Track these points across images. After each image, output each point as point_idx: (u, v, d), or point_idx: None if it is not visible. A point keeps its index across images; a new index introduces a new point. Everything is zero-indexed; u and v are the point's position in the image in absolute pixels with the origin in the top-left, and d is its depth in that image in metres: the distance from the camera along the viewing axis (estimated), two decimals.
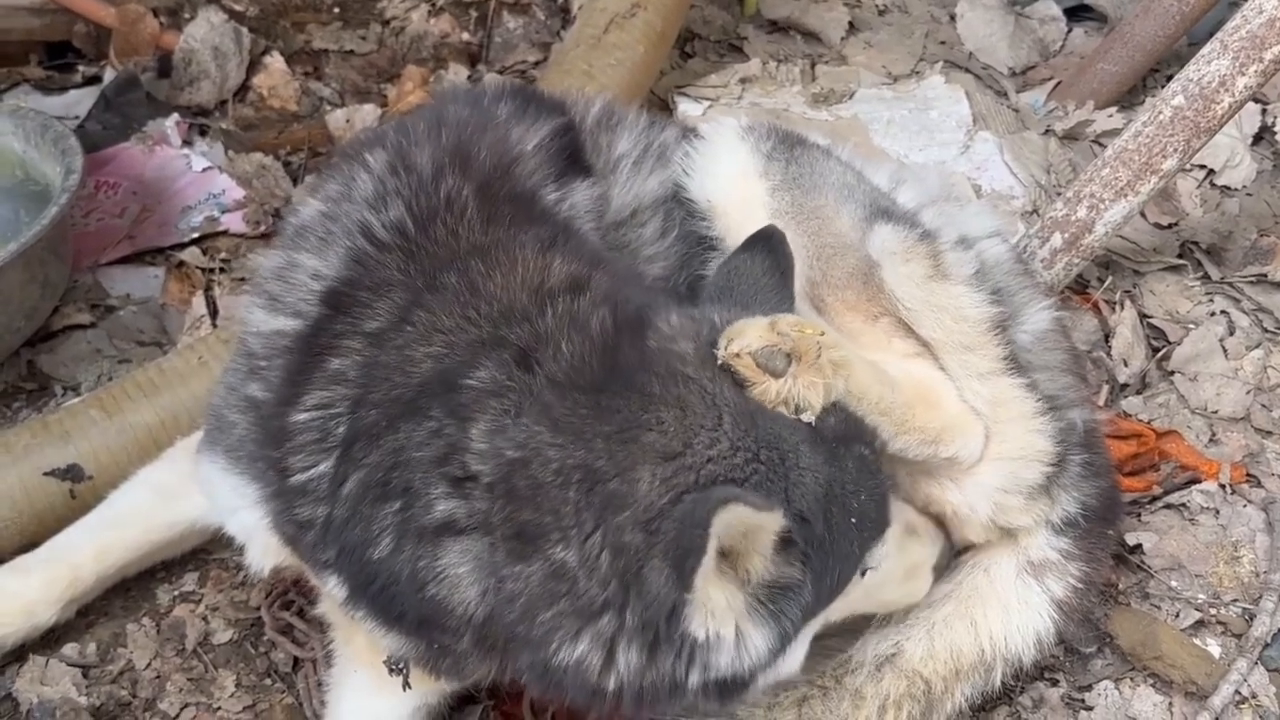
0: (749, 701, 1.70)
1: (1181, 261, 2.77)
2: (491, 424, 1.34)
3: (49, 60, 3.16)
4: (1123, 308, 2.60)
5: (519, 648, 1.38)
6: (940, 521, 1.84)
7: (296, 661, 1.96)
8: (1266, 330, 2.60)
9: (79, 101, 3.02)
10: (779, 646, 1.38)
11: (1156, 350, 2.57)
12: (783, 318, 1.43)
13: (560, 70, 2.73)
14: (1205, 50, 2.39)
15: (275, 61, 3.15)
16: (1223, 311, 2.63)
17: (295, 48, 3.24)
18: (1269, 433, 2.39)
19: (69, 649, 1.95)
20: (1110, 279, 2.68)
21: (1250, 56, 2.33)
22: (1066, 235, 2.48)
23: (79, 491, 2.03)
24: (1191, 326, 2.58)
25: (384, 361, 1.42)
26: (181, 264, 2.66)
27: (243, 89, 3.12)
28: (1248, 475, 2.28)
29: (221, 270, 2.65)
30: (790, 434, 1.37)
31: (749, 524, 1.27)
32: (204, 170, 2.85)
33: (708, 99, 3.14)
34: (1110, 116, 3.08)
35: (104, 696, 1.90)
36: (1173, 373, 2.50)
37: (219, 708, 1.90)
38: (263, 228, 2.74)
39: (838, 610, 1.50)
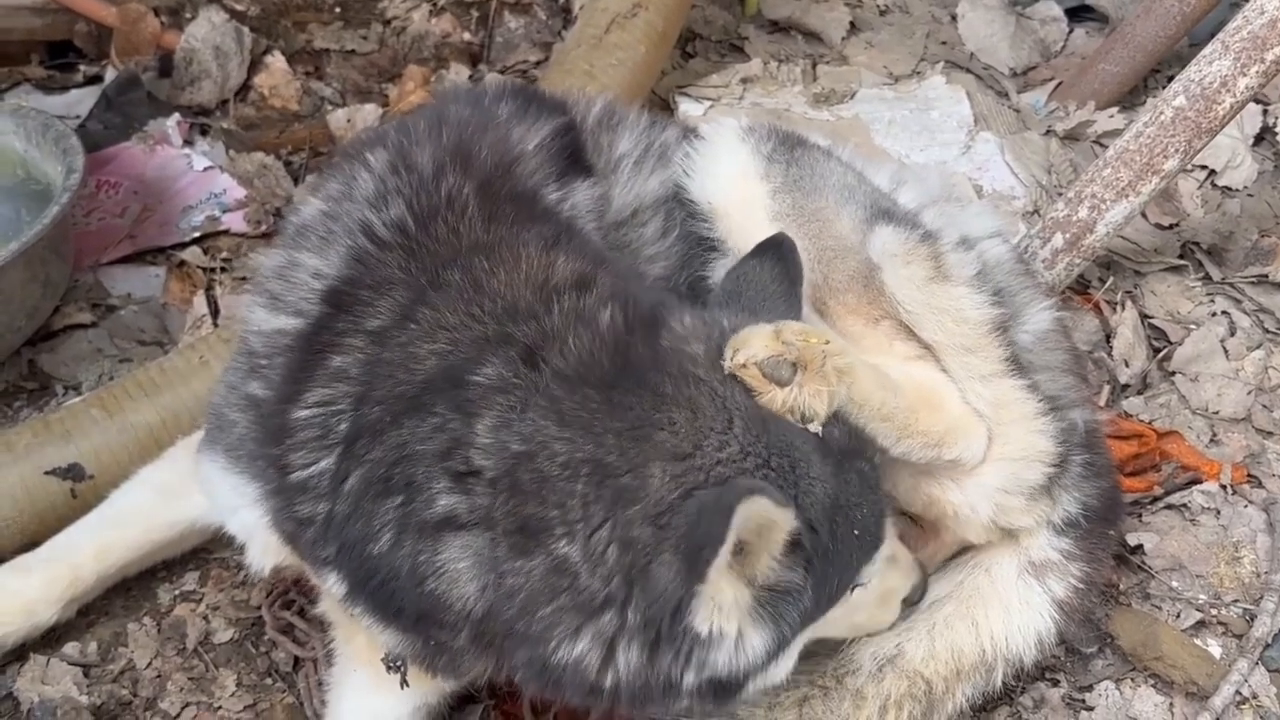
0: (748, 702, 1.70)
1: (1183, 262, 2.77)
2: (497, 419, 1.35)
3: (50, 60, 3.17)
4: (1124, 308, 2.60)
5: (517, 644, 1.38)
6: (941, 522, 1.85)
7: (297, 661, 1.96)
8: (1267, 331, 2.60)
9: (80, 101, 3.03)
10: (775, 650, 1.39)
11: (1157, 351, 2.57)
12: (787, 326, 1.43)
13: (561, 70, 2.74)
14: (1207, 51, 2.39)
15: (276, 61, 3.16)
16: (1224, 312, 2.63)
17: (296, 47, 3.24)
18: (1270, 433, 2.39)
19: (70, 648, 1.95)
20: (1111, 279, 2.68)
21: (1252, 57, 2.33)
22: (1068, 235, 2.48)
23: (80, 491, 2.03)
24: (1192, 327, 2.58)
25: (387, 359, 1.42)
26: (182, 263, 2.66)
27: (244, 88, 3.12)
28: (1249, 476, 2.28)
29: (223, 270, 2.65)
30: (802, 443, 1.39)
31: (768, 519, 1.28)
32: (205, 170, 2.85)
33: (709, 99, 3.14)
34: (1111, 117, 3.08)
35: (105, 696, 1.90)
36: (1174, 373, 2.50)
37: (220, 707, 1.90)
38: (264, 227, 2.74)
39: (818, 627, 1.51)
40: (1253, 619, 2.02)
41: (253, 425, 1.54)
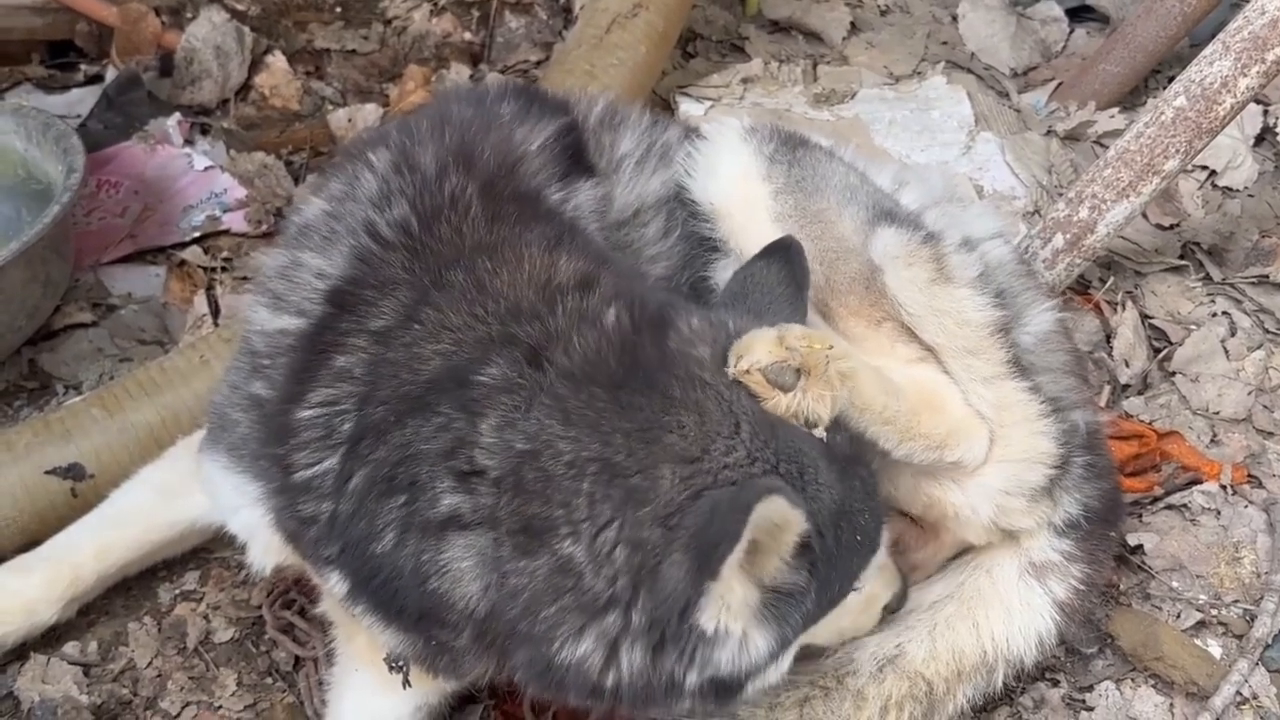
0: (748, 703, 1.70)
1: (1183, 262, 2.77)
2: (501, 419, 1.35)
3: (51, 59, 3.17)
4: (1124, 308, 2.60)
5: (519, 644, 1.38)
6: (941, 523, 1.85)
7: (298, 660, 1.96)
8: (1268, 331, 2.60)
9: (81, 100, 3.02)
10: (777, 651, 1.40)
11: (1158, 351, 2.57)
12: (790, 330, 1.44)
13: (562, 70, 2.74)
14: (1207, 51, 2.39)
15: (277, 61, 3.16)
16: (1224, 312, 2.63)
17: (297, 47, 3.24)
18: (1270, 434, 2.39)
19: (70, 648, 1.95)
20: (1112, 280, 2.68)
21: (1252, 57, 2.33)
22: (1068, 236, 2.48)
23: (80, 490, 2.03)
24: (1193, 327, 2.58)
25: (391, 359, 1.43)
26: (183, 263, 2.66)
27: (245, 88, 3.12)
28: (1249, 476, 2.28)
29: (223, 269, 2.65)
30: (810, 449, 1.40)
31: (783, 519, 1.29)
32: (205, 169, 2.85)
33: (710, 99, 3.14)
34: (1112, 117, 3.08)
35: (105, 695, 1.90)
36: (1174, 373, 2.50)
37: (220, 706, 1.90)
38: (264, 227, 2.74)
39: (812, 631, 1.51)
40: (1253, 619, 2.02)
41: (255, 425, 1.54)
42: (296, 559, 1.62)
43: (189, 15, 3.13)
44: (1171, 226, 2.86)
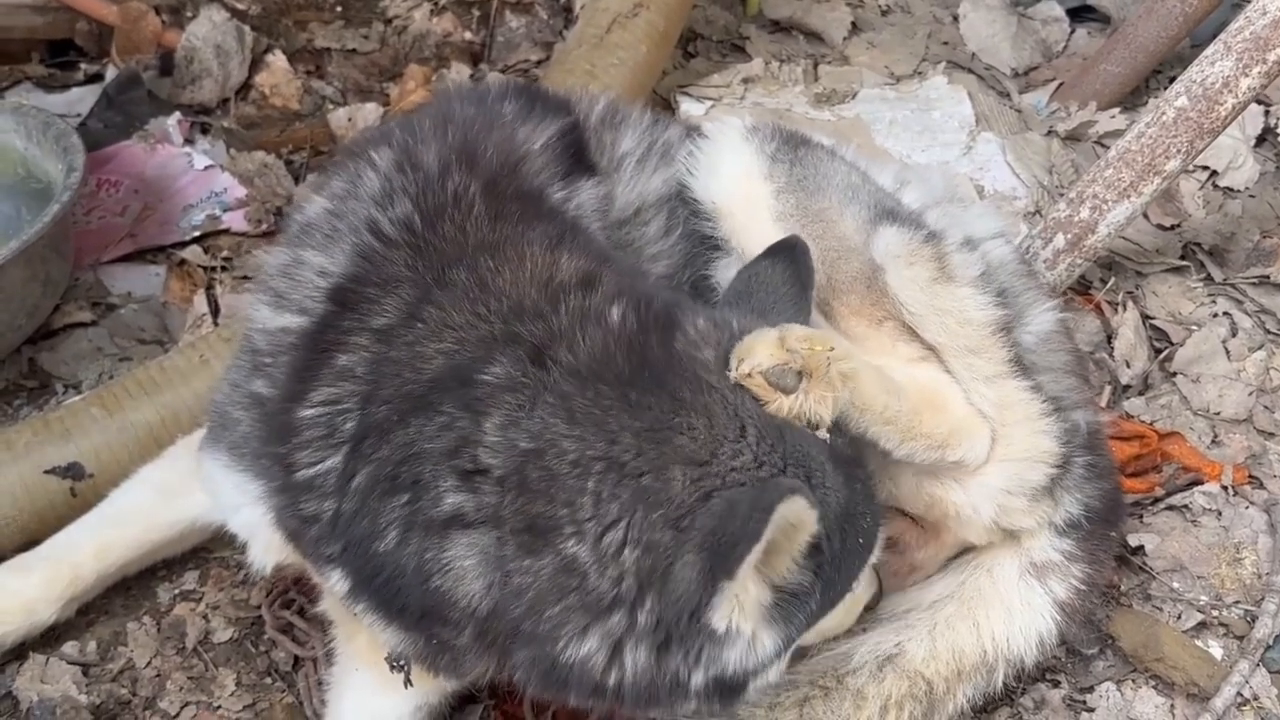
0: (748, 702, 1.69)
1: (1184, 263, 2.77)
2: (505, 417, 1.36)
3: (51, 58, 3.17)
4: (1125, 309, 2.59)
5: (522, 643, 1.38)
6: (942, 523, 1.85)
7: (297, 660, 1.96)
8: (1269, 332, 2.60)
9: (81, 99, 3.02)
10: (782, 650, 1.40)
11: (1159, 351, 2.56)
12: (792, 332, 1.44)
13: (563, 69, 2.73)
14: (1209, 51, 2.39)
15: (277, 60, 3.15)
16: (1225, 313, 2.63)
17: (297, 46, 3.24)
18: (1271, 434, 2.39)
19: (69, 647, 1.95)
20: (1113, 280, 2.68)
21: (1254, 58, 2.33)
22: (1069, 236, 2.48)
23: (80, 490, 2.03)
24: (1194, 328, 2.58)
25: (394, 357, 1.43)
26: (183, 262, 2.66)
27: (245, 87, 3.12)
28: (1250, 477, 2.28)
29: (223, 269, 2.65)
30: (817, 452, 1.41)
31: (799, 520, 1.30)
32: (206, 168, 2.85)
33: (710, 99, 3.14)
34: (1113, 117, 3.08)
35: (104, 695, 1.90)
36: (1175, 374, 2.50)
37: (219, 706, 1.90)
38: (264, 226, 2.74)
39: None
40: (1254, 620, 2.02)
41: (256, 423, 1.54)
42: (297, 558, 1.62)
43: (189, 14, 3.13)
44: (1173, 227, 2.85)
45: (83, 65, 3.15)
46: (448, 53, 3.28)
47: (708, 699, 1.39)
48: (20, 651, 1.92)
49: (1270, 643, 1.98)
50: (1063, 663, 1.98)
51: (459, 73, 3.20)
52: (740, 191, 1.84)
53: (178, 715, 1.89)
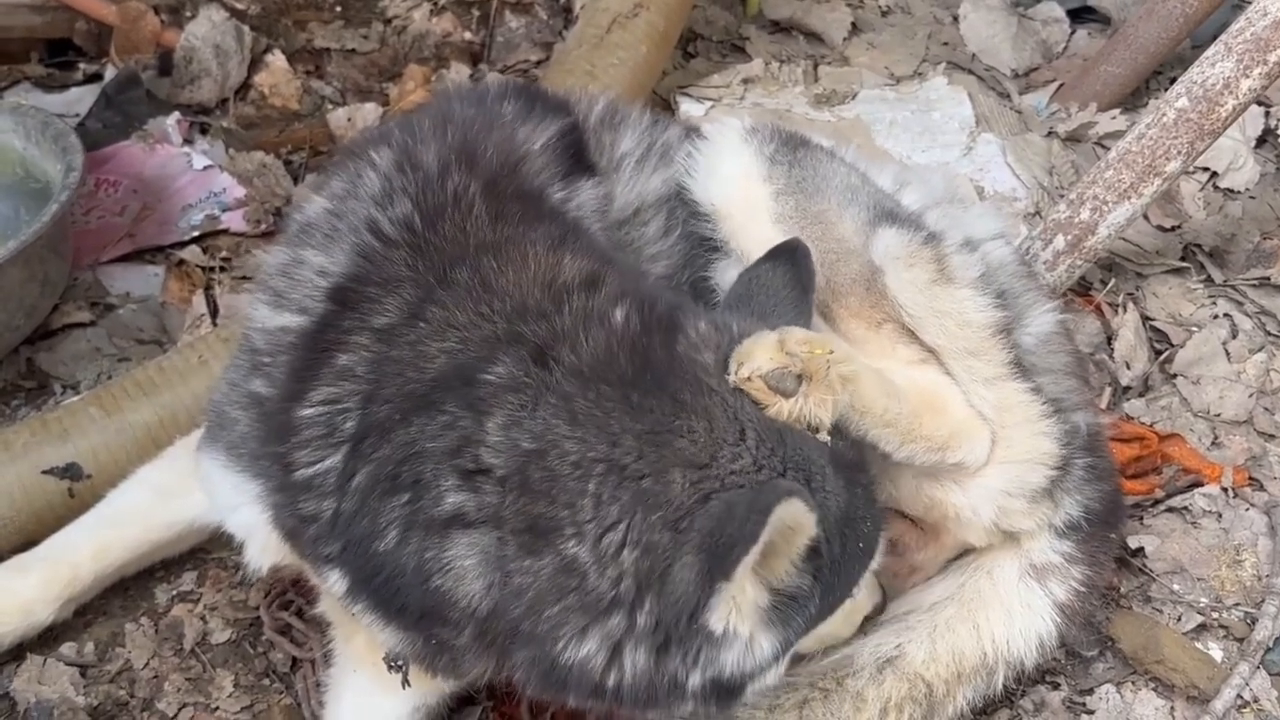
0: (747, 704, 1.70)
1: (1184, 264, 2.77)
2: (508, 417, 1.36)
3: (50, 58, 3.16)
4: (1125, 310, 2.59)
5: (521, 644, 1.38)
6: (942, 524, 1.84)
7: (295, 661, 1.95)
8: (1269, 333, 2.60)
9: (80, 99, 3.02)
10: (780, 653, 1.40)
11: (1159, 353, 2.56)
12: (791, 335, 1.43)
13: (562, 70, 2.73)
14: (1209, 53, 2.39)
15: (277, 60, 3.15)
16: (1225, 314, 2.62)
17: (297, 46, 3.24)
18: (1271, 436, 2.39)
19: (67, 648, 1.94)
20: (1113, 281, 2.68)
21: (1254, 59, 2.33)
22: (1069, 237, 2.48)
23: (78, 490, 2.02)
24: (1194, 329, 2.57)
25: (395, 357, 1.42)
26: (182, 262, 2.66)
27: (244, 87, 3.12)
28: (1250, 479, 2.28)
29: (222, 269, 2.64)
30: (817, 456, 1.41)
31: (797, 522, 1.30)
32: (205, 169, 2.84)
33: (710, 99, 3.13)
34: (1113, 118, 3.08)
35: (102, 696, 1.90)
36: (1175, 375, 2.49)
37: (217, 708, 1.90)
38: (263, 226, 2.73)
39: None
40: (1254, 622, 2.01)
41: (255, 423, 1.54)
42: (294, 558, 1.61)
43: (188, 14, 3.13)
44: (1173, 228, 2.85)
45: (81, 65, 3.14)
46: (447, 53, 3.28)
47: (705, 700, 1.38)
48: (18, 652, 1.91)
49: (1270, 645, 1.98)
50: (1062, 665, 1.98)
51: (458, 73, 3.20)
52: (739, 193, 1.83)
53: (175, 716, 1.89)
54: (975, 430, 1.74)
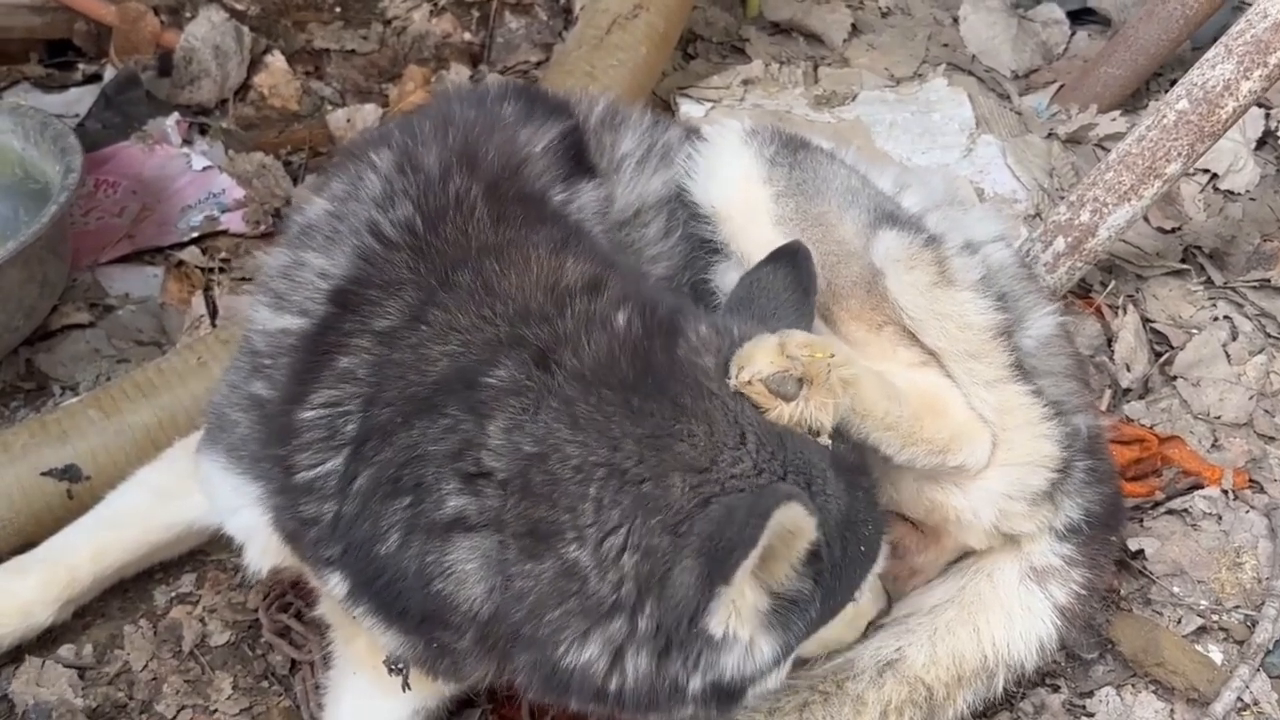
0: (747, 708, 1.69)
1: (1184, 266, 2.77)
2: (509, 421, 1.36)
3: (49, 58, 3.16)
4: (1125, 312, 2.59)
5: (523, 648, 1.38)
6: (942, 527, 1.84)
7: (294, 664, 1.95)
8: (1269, 335, 2.60)
9: (79, 100, 3.01)
10: (780, 657, 1.40)
11: (1159, 355, 2.56)
12: (792, 338, 1.43)
13: (562, 71, 2.73)
14: (1209, 54, 2.39)
15: (276, 60, 3.15)
16: (1225, 316, 2.62)
17: (296, 47, 3.24)
18: (1272, 438, 2.39)
19: (65, 650, 1.94)
20: (1113, 283, 2.68)
21: (1255, 61, 2.33)
22: (1069, 239, 2.48)
23: (76, 492, 2.02)
24: (1194, 331, 2.57)
25: (397, 360, 1.42)
26: (181, 263, 2.65)
27: (243, 88, 3.12)
28: (1250, 481, 2.28)
29: (221, 270, 2.64)
30: (818, 459, 1.40)
31: (797, 526, 1.30)
32: (204, 169, 2.84)
33: (710, 100, 3.13)
34: (1113, 120, 3.08)
35: (100, 698, 1.89)
36: (1175, 378, 2.49)
37: (216, 710, 1.89)
38: (263, 227, 2.73)
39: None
40: (1254, 625, 2.01)
41: (255, 425, 1.54)
42: (294, 561, 1.61)
43: (188, 14, 3.12)
44: (1173, 230, 2.85)
45: (81, 66, 3.14)
46: (447, 54, 3.28)
47: (705, 704, 1.38)
48: (16, 654, 1.91)
49: (1270, 647, 1.97)
50: (1062, 667, 1.98)
51: (458, 74, 3.20)
52: (739, 195, 1.83)
53: (174, 719, 1.89)
54: (976, 433, 1.74)
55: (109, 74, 3.05)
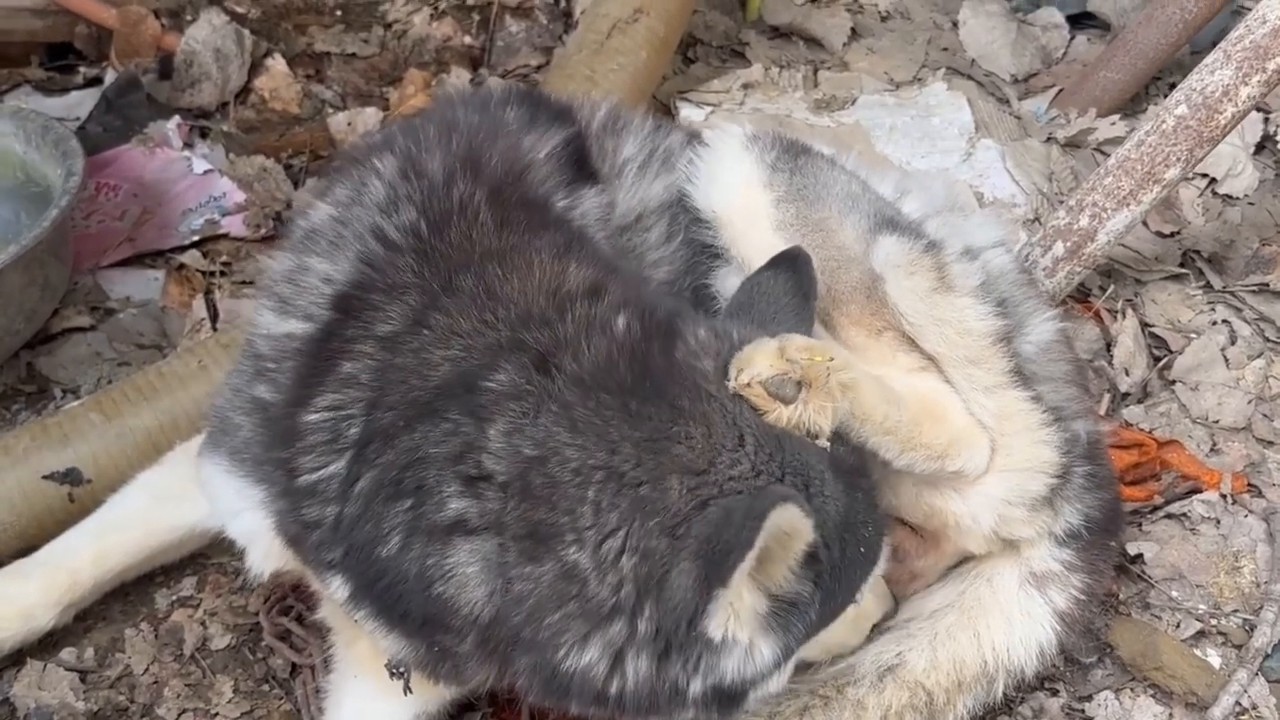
0: (747, 711, 1.69)
1: (1183, 270, 2.77)
2: (510, 424, 1.36)
3: (50, 61, 3.16)
4: (1124, 316, 2.59)
5: (524, 651, 1.38)
6: (942, 532, 1.84)
7: (294, 667, 1.95)
8: (1268, 340, 2.60)
9: (80, 103, 3.02)
10: (781, 660, 1.40)
11: (1158, 359, 2.56)
12: (791, 342, 1.44)
13: (563, 75, 2.73)
14: (1209, 59, 2.39)
15: (277, 64, 3.15)
16: (1224, 321, 2.63)
17: (297, 50, 3.24)
18: (1270, 442, 2.39)
19: (67, 653, 1.94)
20: (1112, 288, 2.68)
21: (1253, 66, 2.34)
22: (1069, 244, 2.48)
23: (78, 495, 2.02)
24: (1193, 336, 2.58)
25: (399, 364, 1.43)
26: (182, 267, 2.66)
27: (244, 91, 3.12)
28: (1249, 485, 2.28)
29: (222, 273, 2.64)
30: (816, 461, 1.41)
31: (793, 528, 1.30)
32: (205, 173, 2.84)
33: (710, 104, 3.13)
34: (1113, 124, 3.09)
35: (101, 702, 1.89)
36: (1174, 382, 2.50)
37: (216, 713, 1.89)
38: (263, 231, 2.73)
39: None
40: (1252, 629, 2.02)
41: (258, 428, 1.54)
42: (296, 564, 1.62)
43: (188, 18, 3.13)
44: (1172, 234, 2.86)
45: (82, 69, 3.14)
46: (447, 57, 3.28)
47: (706, 708, 1.38)
48: (18, 657, 1.91)
49: (1269, 651, 1.98)
50: (1061, 671, 1.98)
51: (459, 77, 3.20)
52: (740, 200, 1.84)
53: None
54: (975, 438, 1.74)
55: (110, 77, 3.05)
